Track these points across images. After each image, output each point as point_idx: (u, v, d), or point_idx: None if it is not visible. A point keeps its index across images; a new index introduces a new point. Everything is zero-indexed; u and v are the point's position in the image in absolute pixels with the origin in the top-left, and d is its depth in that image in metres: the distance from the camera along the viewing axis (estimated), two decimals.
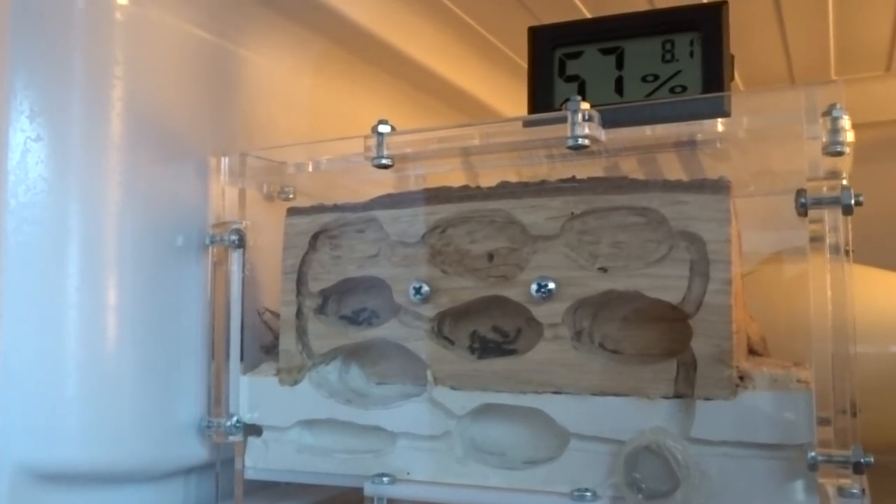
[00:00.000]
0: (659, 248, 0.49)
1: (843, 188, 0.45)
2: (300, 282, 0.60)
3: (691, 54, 0.56)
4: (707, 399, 0.47)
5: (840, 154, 0.46)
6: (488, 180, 0.55)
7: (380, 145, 0.56)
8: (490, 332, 0.55)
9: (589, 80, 0.59)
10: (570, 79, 0.59)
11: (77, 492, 0.56)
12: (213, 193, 0.63)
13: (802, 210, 0.45)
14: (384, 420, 0.56)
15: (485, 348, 0.55)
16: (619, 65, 0.58)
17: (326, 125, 0.76)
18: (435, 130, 0.57)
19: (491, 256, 0.54)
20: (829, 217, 0.45)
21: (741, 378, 0.47)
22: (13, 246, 0.53)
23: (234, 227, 0.61)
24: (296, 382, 0.59)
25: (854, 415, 0.44)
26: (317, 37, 0.74)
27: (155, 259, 0.58)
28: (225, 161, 0.63)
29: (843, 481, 0.44)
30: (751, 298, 0.56)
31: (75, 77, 0.55)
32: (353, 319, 0.60)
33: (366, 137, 0.56)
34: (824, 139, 0.46)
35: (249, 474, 0.60)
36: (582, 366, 0.51)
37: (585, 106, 0.49)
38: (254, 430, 0.60)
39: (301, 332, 0.59)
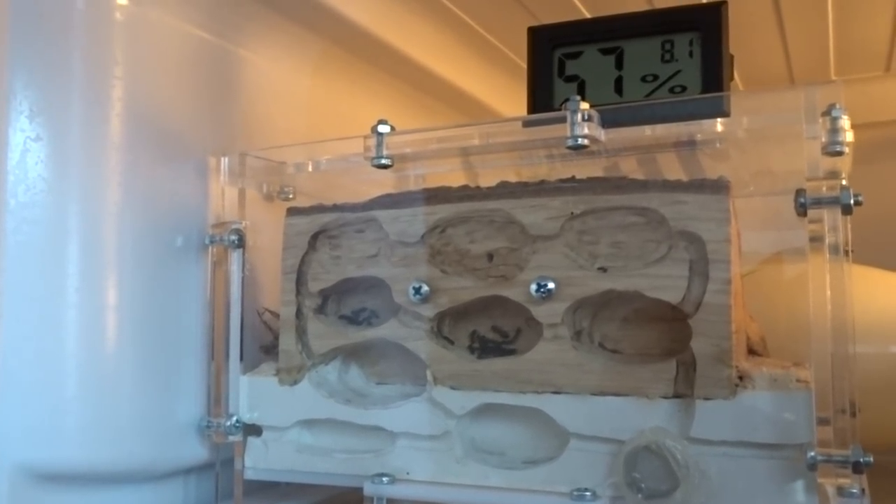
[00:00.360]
0: (658, 248, 0.49)
1: (843, 188, 0.45)
2: (300, 282, 0.59)
3: (691, 54, 0.56)
4: (706, 399, 0.47)
5: (839, 154, 0.46)
6: (488, 180, 0.55)
7: (379, 145, 0.56)
8: (489, 331, 0.55)
9: (588, 80, 0.59)
10: (569, 79, 0.59)
11: (77, 492, 0.56)
12: (213, 193, 0.63)
13: (802, 210, 0.45)
14: (384, 420, 0.56)
15: (484, 348, 0.55)
16: (619, 65, 0.58)
17: (326, 125, 0.76)
18: (434, 130, 0.57)
19: (490, 256, 0.54)
20: (829, 217, 0.45)
21: (741, 378, 0.47)
22: (12, 246, 0.53)
23: (234, 227, 0.61)
24: (295, 382, 0.59)
25: (853, 415, 0.44)
26: (316, 37, 0.74)
27: (154, 259, 0.58)
28: (224, 161, 0.63)
29: (842, 481, 0.44)
30: (750, 298, 0.56)
31: (75, 77, 0.55)
32: (353, 319, 0.60)
33: (365, 137, 0.56)
34: (823, 139, 0.46)
35: (249, 474, 0.60)
36: (581, 365, 0.51)
37: (585, 106, 0.49)
38: (253, 430, 0.60)
39: (301, 332, 0.59)
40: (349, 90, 0.81)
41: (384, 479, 0.55)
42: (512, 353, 0.54)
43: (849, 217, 0.45)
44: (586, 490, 0.49)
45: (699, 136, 0.51)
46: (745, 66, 0.94)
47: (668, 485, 0.47)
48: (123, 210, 0.56)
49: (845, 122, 0.46)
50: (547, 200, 0.52)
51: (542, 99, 0.59)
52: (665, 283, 0.49)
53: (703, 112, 0.50)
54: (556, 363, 0.51)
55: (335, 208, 0.59)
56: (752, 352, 0.55)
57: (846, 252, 0.45)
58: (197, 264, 0.61)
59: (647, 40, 0.57)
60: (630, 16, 0.58)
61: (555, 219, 0.52)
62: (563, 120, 0.50)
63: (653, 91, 0.57)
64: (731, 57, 0.55)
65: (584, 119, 0.49)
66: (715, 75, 0.54)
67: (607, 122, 0.51)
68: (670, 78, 0.57)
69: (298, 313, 0.59)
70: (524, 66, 0.61)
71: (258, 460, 0.60)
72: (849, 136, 0.46)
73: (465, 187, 0.55)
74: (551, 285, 0.51)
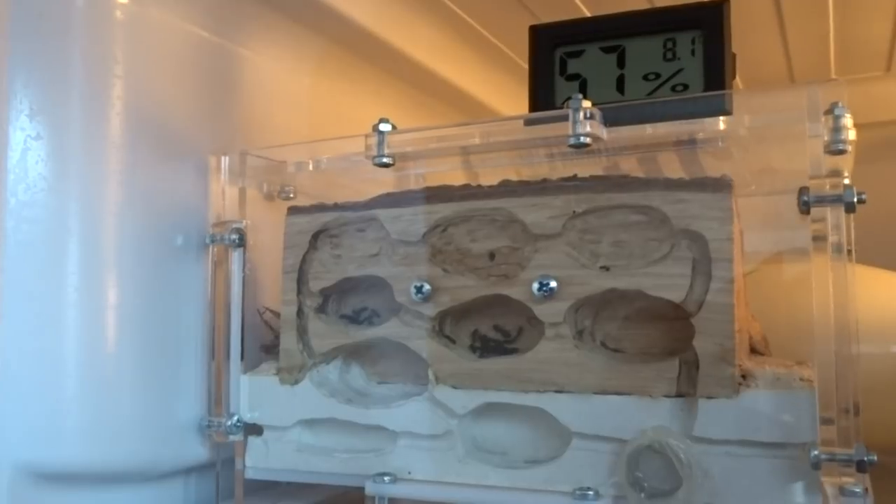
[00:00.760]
0: (661, 247, 0.49)
1: (846, 186, 0.45)
2: (301, 281, 0.59)
3: (693, 53, 0.56)
4: (709, 398, 0.47)
5: (842, 152, 0.46)
6: (489, 180, 0.55)
7: (381, 144, 0.56)
8: (491, 331, 0.55)
9: (590, 78, 0.59)
10: (571, 77, 0.59)
11: (77, 492, 0.56)
12: (214, 192, 0.63)
13: (805, 208, 0.45)
14: (385, 419, 0.56)
15: (486, 347, 0.55)
16: (621, 63, 0.58)
17: (326, 125, 0.75)
18: (436, 129, 0.57)
19: (492, 255, 0.54)
20: (832, 215, 0.45)
21: (743, 377, 0.47)
22: (12, 245, 0.53)
23: (235, 226, 0.61)
24: (296, 382, 0.58)
25: (857, 414, 0.44)
26: (317, 36, 0.73)
27: (155, 258, 0.58)
28: (225, 160, 0.63)
29: (845, 480, 0.44)
30: (750, 298, 0.56)
31: (75, 76, 0.55)
32: (354, 318, 0.59)
33: (367, 136, 0.56)
34: (826, 137, 0.46)
35: (250, 474, 0.60)
36: (584, 364, 0.50)
37: (587, 104, 0.49)
38: (254, 429, 0.60)
39: (302, 332, 0.59)
40: (350, 90, 0.81)
41: (385, 478, 0.54)
42: (514, 352, 0.54)
43: (852, 215, 0.45)
44: (589, 489, 0.49)
45: (701, 134, 0.51)
46: (745, 66, 0.94)
47: (671, 484, 0.47)
48: (124, 209, 0.56)
49: (848, 120, 0.46)
50: (549, 199, 0.52)
51: (543, 98, 0.59)
52: (667, 281, 0.49)
53: (706, 110, 0.50)
54: (558, 362, 0.51)
55: (336, 207, 0.59)
56: (754, 351, 0.55)
57: (849, 251, 0.45)
58: (197, 263, 0.61)
59: (649, 39, 0.57)
60: (632, 14, 0.58)
61: (557, 217, 0.52)
62: (565, 118, 0.50)
63: (655, 90, 0.57)
64: (734, 55, 0.55)
65: (586, 117, 0.49)
66: (717, 74, 0.54)
67: (609, 120, 0.51)
68: (672, 76, 0.57)
69: (299, 312, 0.59)
70: (525, 65, 0.61)
71: (259, 460, 0.59)
72: (851, 135, 0.46)
73: (466, 186, 0.55)
74: (553, 284, 0.51)
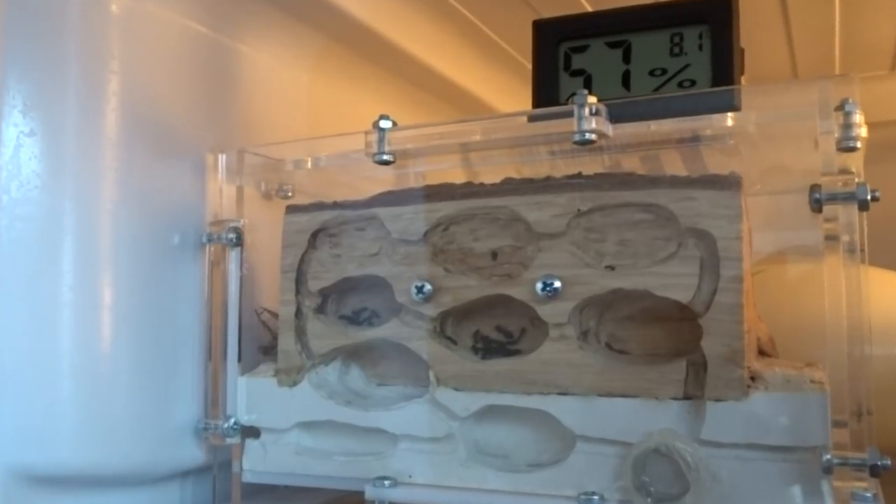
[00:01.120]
0: (667, 246, 0.49)
1: (859, 184, 0.44)
2: (299, 281, 0.59)
3: (700, 48, 0.55)
4: (718, 400, 0.46)
5: (853, 149, 0.45)
6: (490, 179, 0.54)
7: (381, 141, 0.55)
8: (493, 331, 0.54)
9: (595, 74, 0.58)
10: (575, 73, 0.58)
11: (71, 495, 0.56)
12: (211, 191, 0.62)
13: (817, 206, 0.44)
14: (385, 422, 0.55)
15: (488, 348, 0.54)
16: (626, 59, 0.58)
17: (325, 123, 0.75)
18: (437, 125, 0.56)
19: (495, 255, 0.53)
20: (844, 213, 0.44)
21: (752, 379, 0.46)
22: (5, 243, 0.53)
23: (232, 225, 0.61)
24: (295, 383, 0.58)
25: (870, 416, 0.43)
26: (316, 33, 0.73)
27: (151, 257, 0.58)
28: (222, 158, 0.62)
29: (858, 484, 0.43)
30: (755, 298, 0.55)
31: (70, 71, 0.55)
32: (354, 319, 0.59)
33: (367, 133, 0.56)
34: (836, 134, 0.45)
35: (247, 477, 0.59)
36: (588, 366, 0.50)
37: (593, 100, 0.49)
38: (252, 432, 0.59)
39: (300, 333, 0.59)
40: (349, 87, 0.80)
41: (386, 482, 0.54)
42: (516, 353, 0.53)
43: (865, 214, 0.44)
44: (594, 494, 0.49)
45: (709, 131, 0.50)
46: (748, 62, 0.93)
47: (678, 489, 0.47)
48: (119, 207, 0.56)
49: (859, 116, 0.45)
50: (553, 197, 0.51)
51: (547, 94, 0.58)
52: (674, 281, 0.48)
53: (713, 106, 0.49)
54: (562, 363, 0.50)
55: (335, 206, 0.58)
56: (761, 352, 0.54)
57: (862, 250, 0.44)
58: (194, 263, 0.61)
59: (656, 33, 0.56)
60: (638, 8, 0.58)
61: (561, 216, 0.51)
62: (569, 114, 0.49)
63: (661, 85, 0.56)
64: (742, 51, 0.55)
65: (591, 113, 0.49)
66: (725, 69, 0.53)
67: (614, 116, 0.50)
68: (679, 72, 0.56)
69: (298, 313, 0.59)
70: (526, 64, 0.61)
71: (256, 463, 0.59)
72: (863, 132, 0.45)
73: (468, 184, 0.54)
74: (557, 284, 0.50)
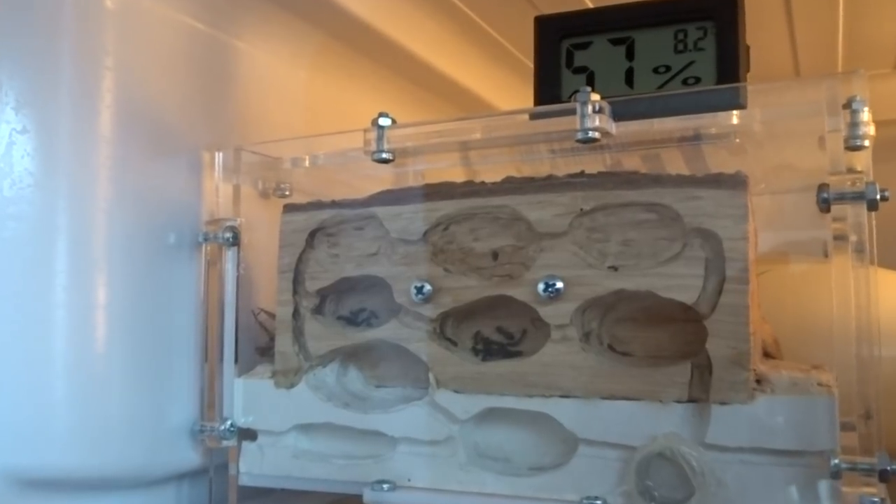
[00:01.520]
0: (672, 246, 0.48)
1: (868, 183, 0.43)
2: (297, 281, 0.58)
3: (705, 44, 0.54)
4: (723, 403, 0.45)
5: (860, 148, 0.45)
6: (490, 177, 0.54)
7: (380, 139, 0.55)
8: (494, 333, 0.54)
9: (598, 71, 0.57)
10: (578, 70, 0.58)
11: (64, 499, 0.55)
12: (207, 189, 0.62)
13: (825, 206, 0.44)
14: (384, 424, 0.55)
15: (489, 350, 0.54)
16: (630, 55, 0.57)
17: (323, 121, 0.75)
18: (437, 123, 0.55)
19: (495, 255, 0.53)
20: (853, 213, 0.43)
21: (758, 381, 0.46)
22: None
23: (229, 224, 0.60)
24: (292, 385, 0.57)
25: (878, 420, 0.42)
26: (314, 29, 0.72)
27: (146, 257, 0.57)
28: (219, 156, 0.62)
29: (866, 490, 0.42)
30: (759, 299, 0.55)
31: (63, 67, 0.54)
32: (352, 320, 0.58)
33: (365, 131, 0.55)
34: (843, 133, 0.45)
35: (244, 480, 0.59)
36: (591, 368, 0.49)
37: (596, 97, 0.48)
38: (248, 434, 0.59)
39: (298, 333, 0.58)
40: (347, 85, 0.80)
41: (384, 485, 0.53)
42: (517, 355, 0.52)
43: (874, 214, 0.43)
44: (596, 499, 0.48)
45: (713, 129, 0.50)
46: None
47: (683, 493, 0.46)
48: (113, 206, 0.55)
49: (866, 114, 0.45)
50: (555, 196, 0.51)
51: (549, 91, 0.58)
52: (679, 282, 0.47)
53: (719, 104, 0.49)
54: (564, 366, 0.50)
55: (333, 205, 0.58)
56: (766, 354, 0.53)
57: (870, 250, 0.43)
58: (190, 263, 0.60)
59: (660, 30, 0.56)
60: (641, 4, 0.57)
61: (563, 215, 0.50)
62: (572, 112, 0.48)
63: (665, 83, 0.55)
64: (747, 47, 0.54)
65: (594, 111, 0.48)
66: (730, 66, 0.53)
67: (618, 115, 0.49)
68: (684, 69, 0.55)
69: (295, 314, 0.58)
70: (527, 62, 0.60)
71: (253, 466, 0.59)
72: (870, 130, 0.45)
73: (469, 183, 0.54)
74: (560, 285, 0.50)
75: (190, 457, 0.60)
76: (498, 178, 0.53)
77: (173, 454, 0.59)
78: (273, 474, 0.58)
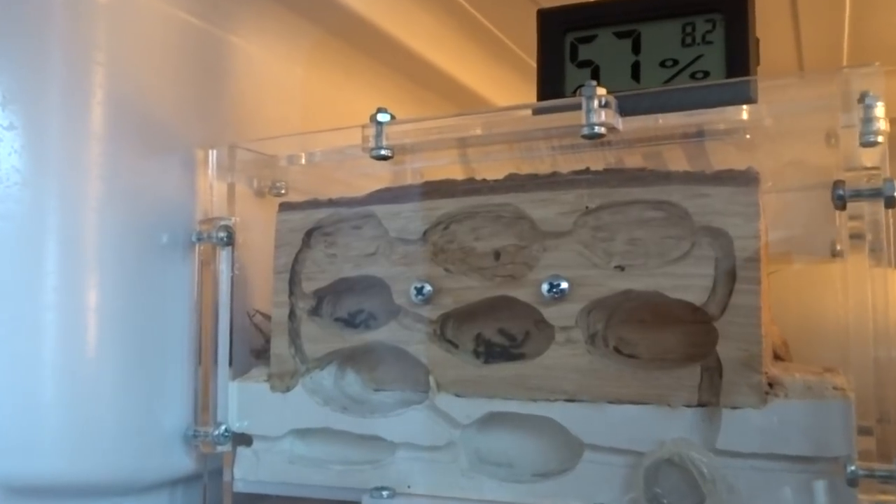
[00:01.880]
0: (680, 245, 0.47)
1: (886, 179, 0.42)
2: (293, 282, 0.58)
3: (714, 37, 0.54)
4: (734, 408, 0.45)
5: (874, 144, 0.44)
6: (492, 175, 0.53)
7: (379, 135, 0.54)
8: (496, 335, 0.53)
9: (603, 65, 0.57)
10: (582, 64, 0.57)
11: None
12: (201, 188, 0.61)
13: (840, 203, 0.43)
14: (383, 429, 0.54)
15: (491, 352, 0.53)
16: (636, 49, 0.57)
17: (320, 119, 0.74)
18: (437, 118, 0.55)
19: (497, 254, 0.52)
20: (869, 211, 0.42)
21: (770, 385, 0.45)
22: None
23: (223, 223, 0.60)
24: (288, 389, 0.57)
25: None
26: (311, 25, 0.72)
27: (138, 257, 0.57)
28: (213, 154, 0.61)
29: (885, 497, 0.41)
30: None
31: (53, 62, 0.54)
32: (350, 322, 0.58)
33: (363, 127, 0.55)
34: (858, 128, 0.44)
35: (239, 487, 0.59)
36: (596, 371, 0.48)
37: (602, 91, 0.47)
38: (243, 439, 0.59)
39: (294, 336, 0.58)
40: (345, 82, 0.80)
41: (383, 492, 0.53)
42: (520, 357, 0.52)
43: (891, 211, 0.42)
44: None
45: (722, 125, 0.49)
46: None
47: (693, 501, 0.45)
48: (105, 205, 0.55)
49: (880, 109, 0.44)
50: (559, 194, 0.50)
51: (552, 86, 0.57)
52: (688, 282, 0.46)
53: (728, 99, 0.48)
54: (568, 368, 0.49)
55: (330, 203, 0.58)
56: (774, 356, 0.52)
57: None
58: (183, 263, 0.60)
59: (667, 23, 0.55)
60: None
61: (567, 214, 0.50)
62: (577, 107, 0.48)
63: (672, 77, 0.55)
64: (757, 40, 0.53)
65: (600, 105, 0.47)
66: (740, 59, 0.52)
67: (624, 110, 0.49)
68: (691, 63, 0.55)
69: (291, 315, 0.58)
70: (529, 60, 0.59)
71: (248, 472, 0.58)
72: (883, 125, 0.44)
73: (470, 180, 0.54)
74: (564, 285, 0.49)
75: (183, 462, 0.59)
76: (498, 176, 0.53)
77: (166, 460, 0.58)
78: (269, 480, 0.58)
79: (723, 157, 0.51)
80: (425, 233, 0.54)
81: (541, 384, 0.50)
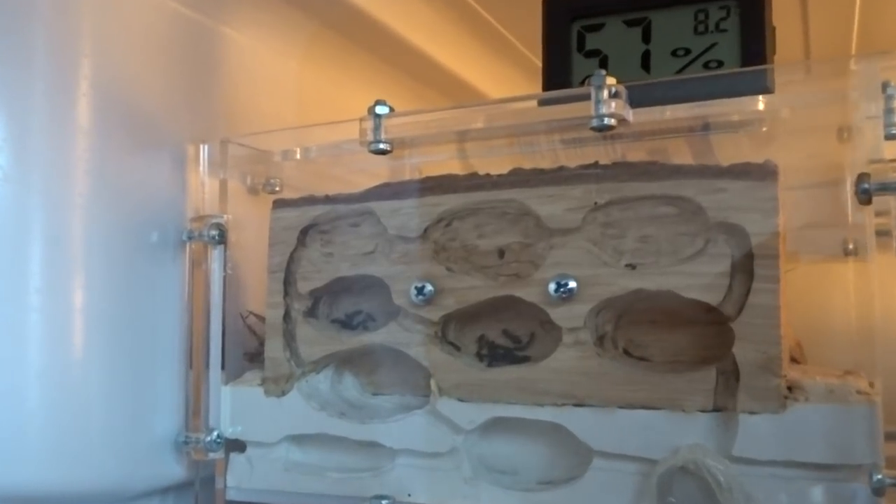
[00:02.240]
0: (694, 242, 0.46)
1: None
2: (288, 282, 0.57)
3: (728, 25, 0.53)
4: (752, 413, 0.43)
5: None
6: (495, 170, 0.52)
7: (377, 128, 0.53)
8: (500, 337, 0.52)
9: (612, 55, 0.56)
10: (590, 54, 0.56)
11: None
12: (192, 184, 0.61)
13: (865, 197, 0.42)
14: (382, 435, 0.53)
15: (494, 355, 0.52)
16: (646, 38, 0.55)
17: (315, 115, 0.74)
18: (438, 111, 0.54)
19: (502, 252, 0.51)
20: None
21: (790, 389, 0.44)
22: None
23: (215, 221, 0.60)
24: (283, 393, 0.56)
25: None
26: (307, 17, 0.71)
27: (126, 257, 0.56)
28: (204, 149, 0.61)
29: None
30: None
31: (37, 53, 0.53)
32: (347, 323, 0.57)
33: (361, 120, 0.54)
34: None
35: (231, 495, 0.58)
36: (606, 374, 0.47)
37: (611, 81, 0.46)
38: (236, 445, 0.58)
39: (289, 338, 0.57)
40: (341, 76, 0.79)
41: (383, 501, 0.52)
42: (525, 360, 0.51)
43: None
44: None
45: (736, 116, 0.48)
46: None
47: None
48: (91, 202, 0.54)
49: None
50: (566, 189, 0.49)
51: (558, 77, 0.56)
52: (702, 281, 0.45)
53: (744, 89, 0.47)
54: (576, 372, 0.48)
55: (327, 200, 0.57)
56: (791, 359, 0.51)
57: None
58: (173, 263, 0.59)
59: (678, 10, 0.54)
60: None
61: (575, 210, 0.49)
62: (585, 97, 0.46)
63: (685, 67, 0.54)
64: (773, 28, 0.52)
65: (610, 95, 0.46)
66: (756, 48, 0.51)
67: (634, 101, 0.47)
68: (705, 52, 0.53)
69: (286, 316, 0.57)
70: (533, 57, 0.58)
71: (242, 479, 0.58)
72: None
73: (473, 175, 0.52)
74: (573, 285, 0.48)
75: (174, 470, 0.58)
76: (504, 170, 0.52)
77: (156, 467, 0.58)
78: (263, 488, 0.57)
79: (729, 153, 0.50)
80: (426, 230, 0.53)
81: (547, 388, 0.49)
